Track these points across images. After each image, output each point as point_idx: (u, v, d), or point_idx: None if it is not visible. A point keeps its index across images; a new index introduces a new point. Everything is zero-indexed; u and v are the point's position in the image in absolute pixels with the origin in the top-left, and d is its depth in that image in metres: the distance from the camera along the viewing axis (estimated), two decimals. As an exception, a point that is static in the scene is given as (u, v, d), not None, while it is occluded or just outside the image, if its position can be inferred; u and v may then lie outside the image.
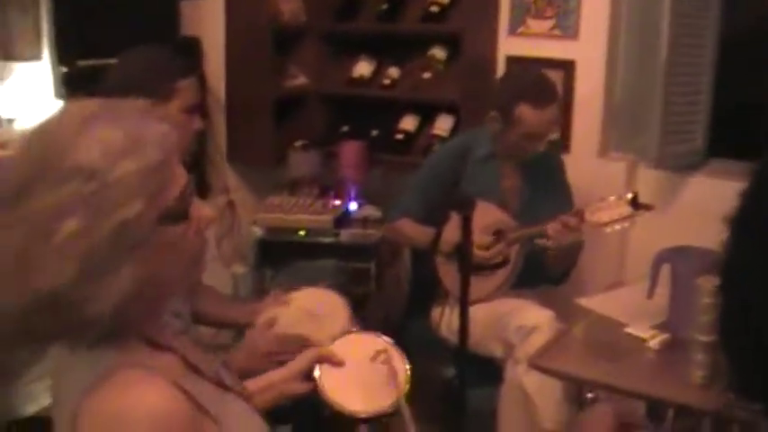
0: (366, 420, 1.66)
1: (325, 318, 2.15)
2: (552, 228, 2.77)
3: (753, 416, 1.85)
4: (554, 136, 3.15)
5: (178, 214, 1.21)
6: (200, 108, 2.24)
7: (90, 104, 1.21)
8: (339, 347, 1.75)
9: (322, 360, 1.71)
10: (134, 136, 1.16)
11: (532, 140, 2.93)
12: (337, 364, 1.71)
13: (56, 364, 1.33)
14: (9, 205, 1.12)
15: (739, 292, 0.93)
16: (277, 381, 1.69)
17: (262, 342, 2.05)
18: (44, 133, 1.17)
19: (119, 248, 1.13)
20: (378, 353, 1.76)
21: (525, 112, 2.89)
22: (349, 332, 1.89)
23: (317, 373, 1.68)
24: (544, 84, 2.97)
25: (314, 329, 2.09)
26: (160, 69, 2.19)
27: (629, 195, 2.70)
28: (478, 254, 2.95)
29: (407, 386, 1.71)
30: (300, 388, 1.70)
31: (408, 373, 1.73)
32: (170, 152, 1.20)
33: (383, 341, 1.80)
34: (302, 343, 1.98)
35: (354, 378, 1.70)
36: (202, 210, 1.28)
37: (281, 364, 1.82)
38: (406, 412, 1.65)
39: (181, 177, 1.23)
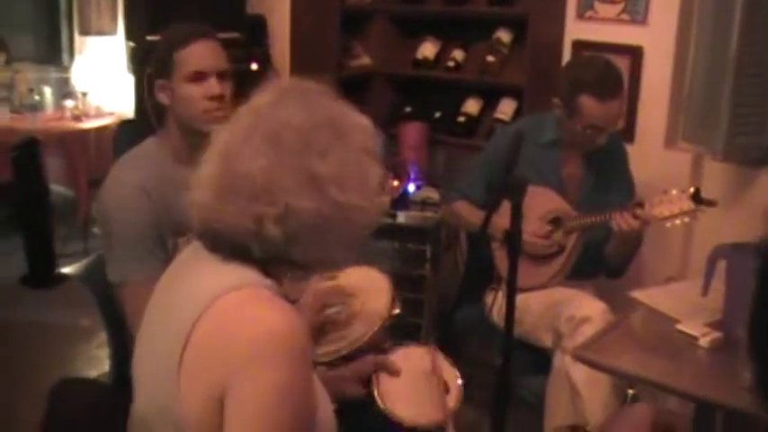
0: (414, 430, 1.72)
1: (369, 294, 2.16)
2: (625, 220, 2.70)
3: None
4: (618, 126, 3.06)
5: None
6: (220, 75, 2.20)
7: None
8: (398, 358, 1.82)
9: (381, 367, 1.79)
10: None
11: (593, 132, 2.87)
12: (394, 373, 1.79)
13: (176, 269, 1.45)
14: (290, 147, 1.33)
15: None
16: (335, 378, 1.75)
17: (310, 299, 2.06)
18: (292, 89, 1.42)
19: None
20: (434, 368, 1.83)
21: (587, 103, 2.82)
22: (408, 344, 1.97)
23: (375, 379, 1.76)
24: (609, 77, 2.86)
25: (357, 303, 2.12)
26: (165, 42, 2.21)
27: (692, 190, 2.62)
28: (533, 241, 2.91)
29: (459, 403, 1.79)
30: (356, 390, 1.77)
31: (461, 389, 1.81)
32: None
33: (440, 357, 1.88)
34: (347, 294, 2.07)
35: (409, 389, 1.77)
36: None
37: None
38: (451, 428, 1.73)
39: None
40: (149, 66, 2.23)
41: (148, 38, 3.54)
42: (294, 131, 1.33)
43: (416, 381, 1.80)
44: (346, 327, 2.02)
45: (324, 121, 1.36)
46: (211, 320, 1.25)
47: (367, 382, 1.76)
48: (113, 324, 2.27)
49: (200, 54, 2.19)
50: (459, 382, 1.82)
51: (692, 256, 3.51)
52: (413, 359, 1.85)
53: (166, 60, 2.17)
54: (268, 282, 1.34)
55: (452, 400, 1.78)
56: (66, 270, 4.71)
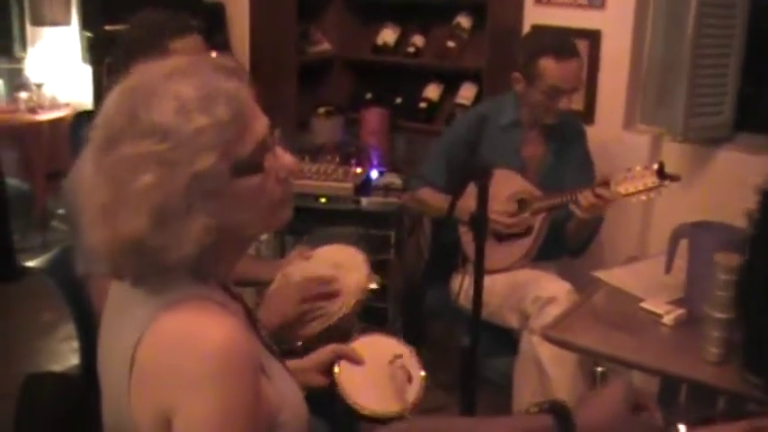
0: (376, 420, 1.71)
1: (347, 269, 2.15)
2: (585, 198, 2.74)
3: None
4: (575, 107, 3.10)
5: (251, 167, 1.25)
6: None
7: (169, 62, 1.27)
8: (360, 346, 1.79)
9: (343, 356, 1.75)
10: (206, 93, 1.22)
11: (556, 96, 2.91)
12: (357, 362, 1.75)
13: (114, 298, 1.38)
14: (100, 153, 1.21)
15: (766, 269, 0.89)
16: (297, 371, 1.69)
17: (290, 291, 2.02)
18: (132, 89, 1.24)
19: (190, 200, 1.19)
20: (396, 357, 1.82)
21: (547, 65, 2.88)
22: (371, 332, 1.94)
23: (336, 368, 1.73)
24: (564, 39, 2.99)
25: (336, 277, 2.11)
26: (154, 30, 2.22)
27: (656, 166, 2.68)
28: (501, 222, 2.94)
29: (421, 393, 1.77)
30: (318, 380, 1.73)
31: (423, 380, 1.79)
32: (242, 107, 1.25)
33: (402, 346, 1.86)
34: (327, 282, 2.03)
35: (371, 378, 1.76)
36: (284, 158, 1.32)
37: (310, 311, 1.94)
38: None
39: (258, 131, 1.27)
40: (114, 53, 2.21)
41: (107, 27, 3.50)
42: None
43: (378, 369, 1.79)
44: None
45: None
46: (152, 342, 1.21)
47: (329, 371, 1.74)
48: (81, 317, 2.25)
49: (197, 48, 2.25)
50: (422, 373, 1.81)
51: (652, 234, 3.56)
52: (377, 348, 1.83)
53: (156, 44, 2.16)
54: (207, 293, 1.28)
55: (414, 390, 1.77)
56: (27, 264, 4.64)
